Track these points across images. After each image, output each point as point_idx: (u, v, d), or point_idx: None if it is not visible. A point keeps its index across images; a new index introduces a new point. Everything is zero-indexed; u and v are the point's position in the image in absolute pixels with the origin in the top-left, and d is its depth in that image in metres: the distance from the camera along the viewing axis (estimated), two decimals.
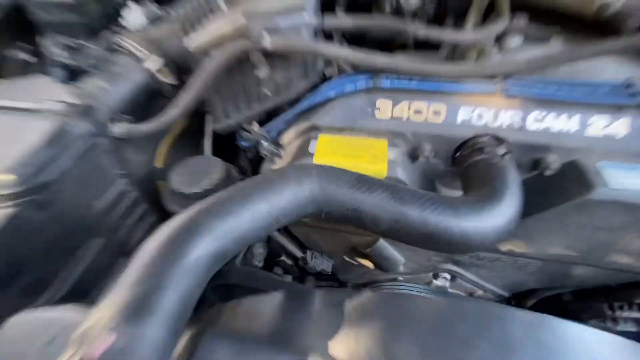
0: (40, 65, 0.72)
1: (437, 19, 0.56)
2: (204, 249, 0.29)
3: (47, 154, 0.42)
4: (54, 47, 0.66)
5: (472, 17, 0.53)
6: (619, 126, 0.44)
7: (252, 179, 0.37)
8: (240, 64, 0.50)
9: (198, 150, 0.69)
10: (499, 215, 0.38)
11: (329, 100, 0.51)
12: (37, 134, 0.43)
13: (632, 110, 0.43)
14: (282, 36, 0.46)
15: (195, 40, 0.52)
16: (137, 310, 0.24)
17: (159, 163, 0.68)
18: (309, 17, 0.48)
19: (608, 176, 0.41)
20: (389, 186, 0.37)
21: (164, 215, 0.59)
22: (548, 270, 0.57)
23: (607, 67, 0.47)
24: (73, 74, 0.66)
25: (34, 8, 0.69)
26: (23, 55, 0.72)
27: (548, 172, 0.45)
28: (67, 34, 0.68)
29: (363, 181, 0.37)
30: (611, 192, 0.40)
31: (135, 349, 0.22)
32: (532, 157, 0.47)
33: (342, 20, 0.52)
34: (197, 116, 0.66)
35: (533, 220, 0.46)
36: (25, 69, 0.72)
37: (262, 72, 0.50)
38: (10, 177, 0.39)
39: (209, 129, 0.66)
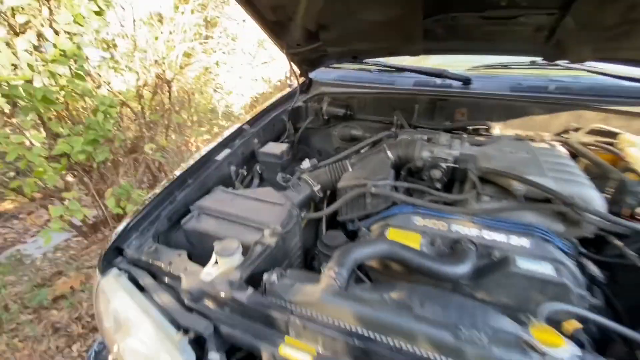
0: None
1: (449, 184, 1.24)
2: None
3: (287, 221, 1.15)
4: (279, 177, 1.48)
5: (467, 185, 1.19)
6: (522, 241, 1.01)
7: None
8: (358, 198, 1.22)
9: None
10: (464, 265, 0.96)
11: (394, 214, 1.18)
12: (284, 211, 1.16)
13: (533, 237, 1.01)
14: (378, 188, 1.18)
15: (341, 182, 1.27)
16: None
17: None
18: (390, 181, 1.20)
19: (519, 262, 0.97)
20: (416, 251, 0.99)
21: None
22: None
23: (526, 215, 1.07)
24: (284, 188, 1.45)
25: (261, 155, 1.57)
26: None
27: (494, 258, 1.02)
28: (276, 168, 1.53)
29: (406, 248, 1.00)
30: (519, 269, 0.95)
31: None
32: (486, 252, 1.04)
33: (403, 183, 1.23)
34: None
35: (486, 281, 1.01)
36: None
37: (370, 204, 1.21)
38: (279, 227, 1.11)
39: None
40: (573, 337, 0.95)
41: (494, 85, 1.62)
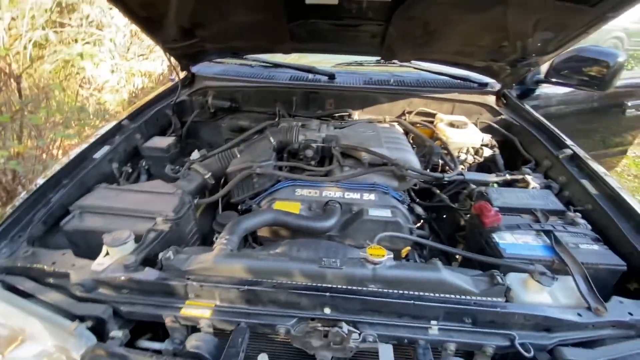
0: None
1: (321, 160, 1.52)
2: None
3: (179, 207, 1.24)
4: (167, 168, 1.52)
5: (334, 159, 1.49)
6: (370, 196, 1.35)
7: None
8: (245, 179, 1.39)
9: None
10: (332, 219, 1.24)
11: (279, 189, 1.39)
12: (175, 199, 1.25)
13: (377, 192, 1.36)
14: (263, 169, 1.37)
15: (230, 167, 1.42)
16: None
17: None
18: (272, 162, 1.41)
19: (370, 211, 1.30)
20: (295, 215, 1.23)
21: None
22: None
23: (373, 177, 1.42)
24: (174, 179, 1.50)
25: (146, 150, 1.58)
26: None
27: (353, 212, 1.34)
28: (163, 162, 1.57)
29: (287, 213, 1.22)
30: (370, 216, 1.28)
31: None
32: (347, 208, 1.35)
33: (284, 163, 1.46)
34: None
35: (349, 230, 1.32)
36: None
37: (256, 183, 1.39)
38: (172, 214, 1.19)
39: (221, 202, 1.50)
40: (407, 257, 1.35)
41: (352, 79, 2.00)
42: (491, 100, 1.99)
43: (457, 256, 1.39)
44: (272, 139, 1.56)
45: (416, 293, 0.91)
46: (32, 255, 1.02)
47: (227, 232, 1.07)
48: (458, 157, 1.69)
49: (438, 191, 1.64)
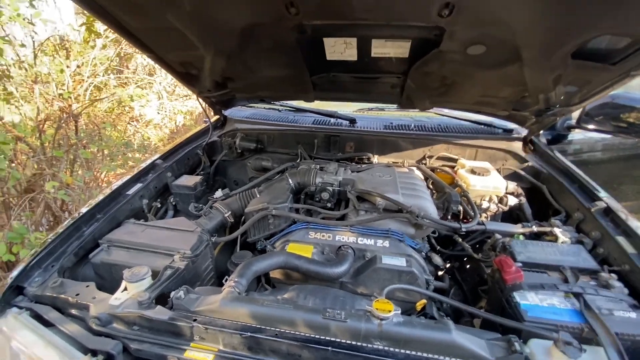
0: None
1: (338, 203, 1.54)
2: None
3: (197, 245, 1.29)
4: (191, 206, 1.61)
5: (350, 204, 1.50)
6: (385, 243, 1.33)
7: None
8: (262, 219, 1.43)
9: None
10: (343, 266, 1.22)
11: (293, 231, 1.42)
12: (194, 237, 1.31)
13: (391, 239, 1.34)
14: (278, 210, 1.41)
15: (248, 207, 1.47)
16: None
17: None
18: (288, 204, 1.45)
19: (384, 259, 1.27)
20: (306, 259, 1.24)
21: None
22: None
23: (389, 223, 1.40)
24: (197, 217, 1.58)
25: (175, 188, 1.70)
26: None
27: (366, 258, 1.32)
28: (189, 199, 1.66)
29: (298, 257, 1.23)
30: (383, 265, 1.25)
31: None
32: (361, 254, 1.34)
33: (299, 205, 1.49)
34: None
35: (362, 277, 1.30)
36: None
37: (272, 224, 1.43)
38: (189, 252, 1.24)
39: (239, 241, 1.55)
40: (424, 311, 1.28)
41: (372, 124, 2.05)
42: (517, 146, 1.94)
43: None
44: (290, 181, 1.62)
45: (424, 355, 0.86)
46: (60, 285, 1.10)
47: (237, 274, 1.09)
48: (480, 205, 1.63)
49: (460, 239, 1.58)
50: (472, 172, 1.67)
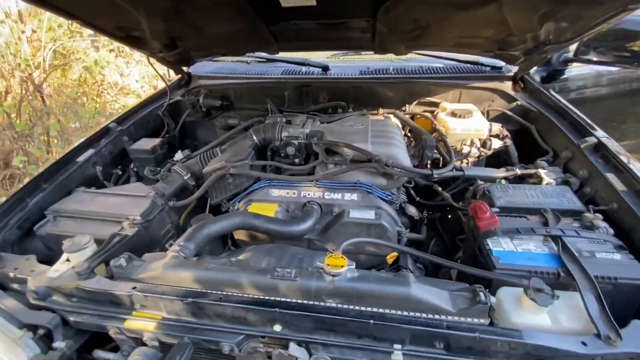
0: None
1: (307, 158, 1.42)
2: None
3: (149, 210, 1.20)
4: (146, 170, 1.50)
5: (319, 158, 1.38)
6: (353, 196, 1.23)
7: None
8: (221, 180, 1.32)
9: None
10: (307, 223, 1.13)
11: (256, 190, 1.31)
12: (147, 202, 1.21)
13: (359, 192, 1.23)
14: (237, 169, 1.30)
15: (206, 168, 1.36)
16: None
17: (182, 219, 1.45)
18: (248, 161, 1.32)
19: (351, 213, 1.18)
20: (266, 218, 1.14)
21: None
22: None
23: (358, 175, 1.29)
24: (155, 181, 1.48)
25: (132, 152, 1.57)
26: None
27: (334, 213, 1.22)
28: (149, 163, 1.55)
29: (257, 216, 1.14)
30: (350, 219, 1.16)
31: None
32: (328, 209, 1.24)
33: (261, 162, 1.37)
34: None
35: (330, 233, 1.21)
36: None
37: (230, 183, 1.32)
38: (139, 217, 1.15)
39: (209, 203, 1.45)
40: (398, 265, 1.21)
41: (347, 70, 1.86)
42: (506, 85, 1.76)
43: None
44: (254, 137, 1.49)
45: (379, 310, 0.79)
46: (0, 260, 1.03)
47: (184, 238, 1.01)
48: (460, 150, 1.50)
49: (440, 189, 1.47)
50: (453, 114, 1.52)
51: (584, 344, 0.72)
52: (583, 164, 1.25)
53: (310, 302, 0.81)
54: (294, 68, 1.94)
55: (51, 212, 1.21)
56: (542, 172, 1.28)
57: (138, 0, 1.19)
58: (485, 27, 1.34)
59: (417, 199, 1.53)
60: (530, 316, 0.79)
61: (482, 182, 1.35)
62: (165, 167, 1.49)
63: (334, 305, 0.80)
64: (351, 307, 0.80)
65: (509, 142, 1.55)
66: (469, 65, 1.83)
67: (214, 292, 0.85)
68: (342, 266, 0.83)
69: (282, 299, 0.82)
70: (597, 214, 1.03)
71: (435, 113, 1.66)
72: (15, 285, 1.00)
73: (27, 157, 2.41)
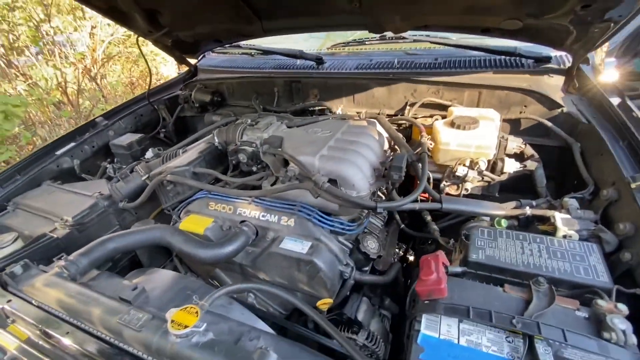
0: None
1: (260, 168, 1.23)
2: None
3: (85, 212, 1.17)
4: (109, 168, 1.49)
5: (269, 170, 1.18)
6: (289, 221, 1.01)
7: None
8: (162, 184, 1.22)
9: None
10: (227, 248, 0.96)
11: (194, 200, 1.18)
12: (87, 203, 1.18)
13: (297, 216, 1.00)
14: (174, 175, 1.18)
15: (152, 172, 1.27)
16: None
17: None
18: (190, 167, 1.20)
19: (284, 242, 0.97)
20: (184, 237, 1.00)
21: None
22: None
23: (307, 195, 1.06)
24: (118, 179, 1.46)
25: (112, 147, 1.58)
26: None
27: (268, 239, 1.02)
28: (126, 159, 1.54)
29: (177, 234, 1.01)
30: (278, 249, 0.95)
31: None
32: (264, 233, 1.04)
33: (202, 169, 1.23)
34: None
35: (259, 262, 1.02)
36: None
37: (172, 190, 1.21)
38: (69, 218, 1.13)
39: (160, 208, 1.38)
40: (341, 311, 0.97)
41: (343, 64, 1.58)
42: (550, 83, 1.29)
43: None
44: (216, 139, 1.35)
45: None
46: None
47: (78, 252, 0.93)
48: (454, 171, 1.13)
49: (429, 218, 1.14)
50: (451, 124, 1.15)
51: None
52: (630, 214, 0.81)
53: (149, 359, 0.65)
54: (287, 62, 1.74)
55: (13, 203, 1.27)
56: (559, 216, 0.87)
57: None
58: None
59: (402, 226, 1.23)
60: None
61: (487, 219, 1.00)
62: (129, 165, 1.45)
63: None
64: None
65: (532, 165, 1.13)
66: (502, 57, 1.39)
67: (67, 321, 0.75)
68: (186, 326, 0.65)
69: (125, 347, 0.68)
70: (619, 305, 0.64)
71: (434, 119, 1.30)
72: None
73: None
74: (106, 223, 1.24)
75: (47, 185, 1.36)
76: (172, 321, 0.66)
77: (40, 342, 0.77)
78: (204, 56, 1.98)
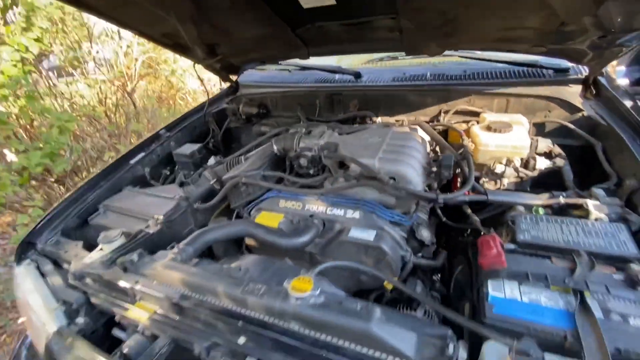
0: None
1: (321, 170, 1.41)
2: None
3: (171, 212, 1.35)
4: (181, 174, 1.68)
5: (328, 172, 1.36)
6: (354, 214, 1.18)
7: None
8: (236, 187, 1.40)
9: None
10: (303, 237, 1.14)
11: (266, 199, 1.36)
12: (171, 204, 1.36)
13: (361, 210, 1.18)
14: (248, 178, 1.37)
15: (225, 176, 1.46)
16: None
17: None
18: (260, 171, 1.38)
19: (352, 232, 1.14)
20: (266, 229, 1.18)
21: None
22: None
23: (366, 192, 1.23)
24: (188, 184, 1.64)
25: (175, 156, 1.78)
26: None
27: (336, 230, 1.20)
28: (189, 167, 1.74)
29: (258, 227, 1.19)
30: (348, 238, 1.12)
31: None
32: (330, 225, 1.22)
33: (272, 172, 1.41)
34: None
35: (329, 250, 1.19)
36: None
37: (244, 191, 1.40)
38: (160, 217, 1.31)
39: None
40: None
41: (379, 77, 1.78)
42: (570, 91, 1.47)
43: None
44: (275, 146, 1.54)
45: (334, 341, 0.76)
46: (56, 243, 1.28)
47: (186, 241, 1.11)
48: (493, 169, 1.31)
49: (469, 211, 1.31)
50: (488, 128, 1.33)
51: None
52: None
53: (272, 321, 0.82)
54: (326, 76, 1.94)
55: (103, 206, 1.45)
56: (590, 203, 1.04)
57: (168, 7, 1.33)
58: (527, 15, 1.14)
59: (444, 219, 1.39)
60: None
61: (522, 209, 1.17)
62: (198, 171, 1.64)
63: (292, 328, 0.80)
64: (309, 332, 0.78)
65: (561, 162, 1.30)
66: (524, 68, 1.58)
67: (193, 295, 0.92)
68: (305, 290, 0.82)
69: (248, 313, 0.85)
70: None
71: (470, 125, 1.48)
72: (65, 265, 1.24)
73: (115, 153, 2.92)
74: (185, 222, 1.42)
75: (128, 190, 1.55)
76: (293, 287, 0.83)
77: (170, 315, 0.95)
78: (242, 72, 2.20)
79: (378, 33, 1.46)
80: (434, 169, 1.27)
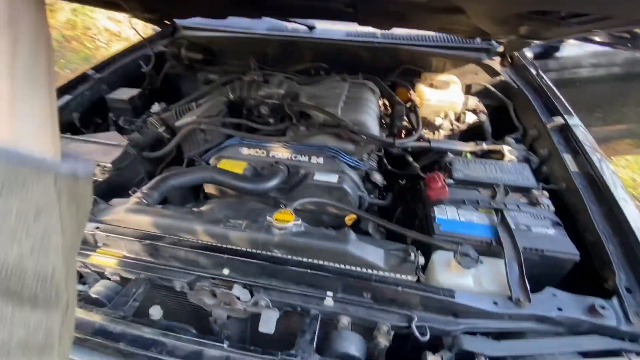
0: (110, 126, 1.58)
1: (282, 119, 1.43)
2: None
3: (120, 159, 1.24)
4: (121, 120, 1.52)
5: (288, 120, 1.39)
6: (319, 160, 1.26)
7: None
8: (193, 134, 1.34)
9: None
10: (271, 182, 1.18)
11: (227, 147, 1.35)
12: (118, 151, 1.25)
13: (325, 155, 1.26)
14: (207, 124, 1.32)
15: (178, 122, 1.38)
16: None
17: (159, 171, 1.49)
18: (219, 118, 1.34)
19: (316, 175, 1.22)
20: (231, 174, 1.19)
21: None
22: None
23: (327, 139, 1.31)
24: (131, 131, 1.50)
25: (110, 101, 1.58)
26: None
27: (300, 175, 1.27)
28: (126, 113, 1.57)
29: (224, 172, 1.18)
30: (314, 181, 1.21)
31: None
32: (295, 170, 1.28)
33: (232, 119, 1.39)
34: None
35: (294, 194, 1.26)
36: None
37: (201, 138, 1.35)
38: (109, 164, 1.20)
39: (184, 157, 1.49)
40: (357, 226, 1.28)
41: (333, 32, 1.80)
42: (495, 59, 1.72)
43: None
44: (230, 94, 1.49)
45: (315, 261, 0.86)
46: None
47: (149, 186, 1.06)
48: (433, 122, 1.51)
49: (411, 159, 1.50)
50: (430, 85, 1.51)
51: (495, 303, 0.80)
52: (546, 144, 1.28)
53: (255, 251, 0.88)
54: (279, 25, 1.88)
55: None
56: (505, 148, 1.31)
57: None
58: (460, 27, 1.29)
59: (389, 167, 1.57)
60: (455, 277, 0.87)
61: (451, 155, 1.39)
62: (141, 118, 1.50)
63: (276, 254, 0.87)
64: (291, 257, 0.87)
65: (483, 117, 1.56)
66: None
67: (169, 236, 0.91)
68: (288, 221, 0.89)
69: (231, 247, 0.89)
70: (544, 192, 1.08)
71: (415, 82, 1.65)
72: None
73: None
74: (135, 170, 1.33)
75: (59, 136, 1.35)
76: (276, 219, 0.89)
77: (142, 257, 0.93)
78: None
79: (335, 5, 1.46)
80: (386, 120, 1.41)
